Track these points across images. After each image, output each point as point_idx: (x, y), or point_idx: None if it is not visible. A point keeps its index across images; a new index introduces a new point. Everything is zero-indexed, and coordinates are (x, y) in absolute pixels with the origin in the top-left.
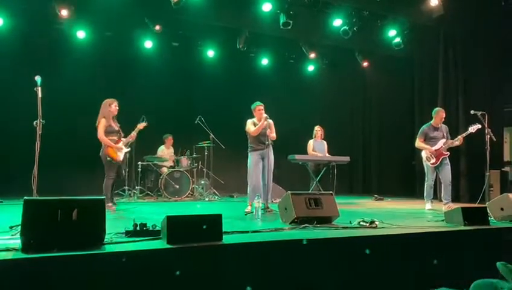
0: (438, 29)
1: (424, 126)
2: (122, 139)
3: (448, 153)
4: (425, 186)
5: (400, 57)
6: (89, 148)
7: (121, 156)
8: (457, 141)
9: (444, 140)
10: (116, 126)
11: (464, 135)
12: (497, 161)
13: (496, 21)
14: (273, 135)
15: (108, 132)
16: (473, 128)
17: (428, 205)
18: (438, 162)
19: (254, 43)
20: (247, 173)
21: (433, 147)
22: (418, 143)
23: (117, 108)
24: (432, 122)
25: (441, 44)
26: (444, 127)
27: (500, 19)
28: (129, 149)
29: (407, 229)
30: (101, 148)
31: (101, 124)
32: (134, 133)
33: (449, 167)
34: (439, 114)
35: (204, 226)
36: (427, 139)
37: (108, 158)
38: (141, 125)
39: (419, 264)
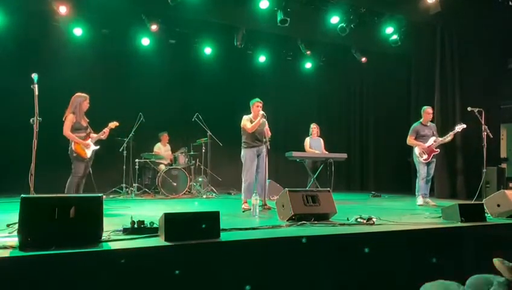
0: (435, 27)
1: (414, 124)
2: (93, 135)
3: (438, 150)
4: (420, 182)
5: (397, 54)
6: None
7: (88, 153)
8: (449, 137)
9: (434, 138)
10: (84, 122)
11: (452, 133)
12: (494, 157)
13: (493, 18)
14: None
15: (76, 128)
16: (459, 128)
17: (420, 201)
18: (430, 159)
19: (251, 40)
20: (242, 170)
21: (425, 144)
22: (410, 140)
23: (88, 104)
24: (421, 120)
25: (438, 41)
26: (433, 126)
27: (497, 16)
28: (98, 147)
29: (405, 226)
30: (69, 145)
31: (68, 120)
32: (106, 130)
33: (435, 163)
34: (426, 112)
35: (204, 225)
36: (418, 137)
37: (74, 154)
38: (113, 124)
39: (416, 260)
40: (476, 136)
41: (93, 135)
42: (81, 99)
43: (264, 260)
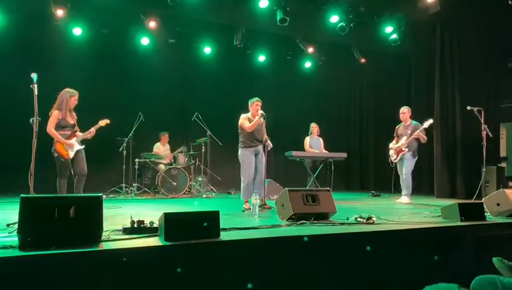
0: (434, 26)
1: (398, 125)
2: (79, 133)
3: (407, 149)
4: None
5: (396, 53)
6: (85, 145)
7: (71, 153)
8: (420, 137)
9: (405, 137)
10: (71, 120)
11: (419, 130)
12: (494, 156)
13: (493, 17)
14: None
15: (61, 126)
16: (426, 124)
17: (400, 198)
18: (398, 158)
19: (251, 39)
20: (241, 170)
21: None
22: (393, 141)
23: (76, 101)
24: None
25: (437, 40)
26: (412, 126)
27: (497, 16)
28: (83, 147)
29: (404, 225)
30: (52, 143)
31: (53, 116)
32: (93, 129)
33: (407, 162)
34: (400, 112)
35: (205, 223)
36: (398, 137)
37: (56, 154)
38: (103, 122)
39: (416, 259)
40: (476, 136)
41: (79, 134)
42: (69, 95)
43: (263, 260)
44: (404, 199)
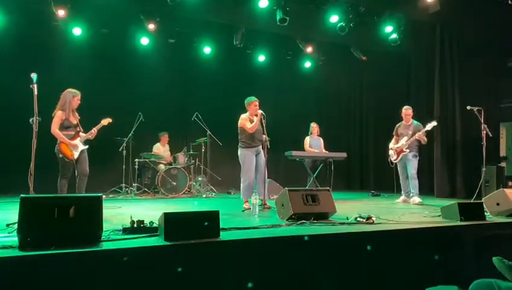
0: (434, 26)
1: (398, 124)
2: (82, 134)
3: (408, 150)
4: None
5: (396, 52)
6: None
7: (76, 154)
8: (420, 139)
9: (406, 137)
10: (74, 120)
11: (420, 132)
12: (494, 156)
13: (493, 17)
14: None
15: (65, 126)
16: (429, 126)
17: (400, 198)
18: (398, 159)
19: (251, 39)
20: (241, 170)
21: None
22: (393, 140)
23: (79, 101)
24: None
25: (437, 40)
26: (413, 126)
27: (497, 15)
28: (87, 147)
29: (404, 225)
30: (56, 143)
31: (56, 117)
32: (95, 130)
33: (411, 162)
34: (403, 112)
35: (203, 225)
36: (398, 136)
37: (60, 155)
38: (105, 121)
39: (416, 259)
40: (476, 135)
41: (82, 135)
42: (71, 96)
43: (263, 259)
44: (416, 199)
